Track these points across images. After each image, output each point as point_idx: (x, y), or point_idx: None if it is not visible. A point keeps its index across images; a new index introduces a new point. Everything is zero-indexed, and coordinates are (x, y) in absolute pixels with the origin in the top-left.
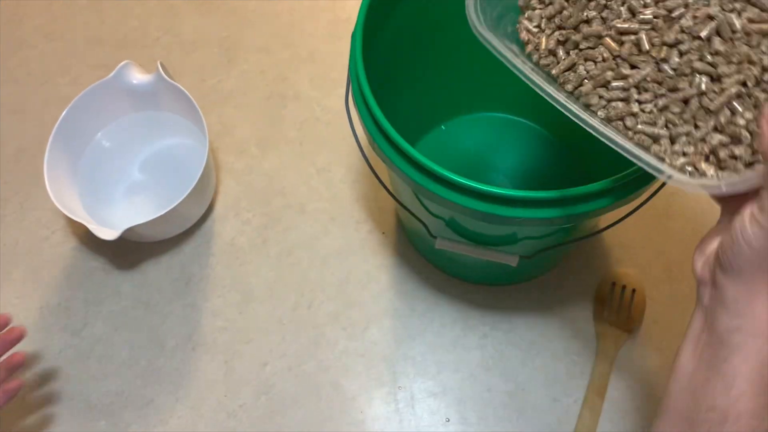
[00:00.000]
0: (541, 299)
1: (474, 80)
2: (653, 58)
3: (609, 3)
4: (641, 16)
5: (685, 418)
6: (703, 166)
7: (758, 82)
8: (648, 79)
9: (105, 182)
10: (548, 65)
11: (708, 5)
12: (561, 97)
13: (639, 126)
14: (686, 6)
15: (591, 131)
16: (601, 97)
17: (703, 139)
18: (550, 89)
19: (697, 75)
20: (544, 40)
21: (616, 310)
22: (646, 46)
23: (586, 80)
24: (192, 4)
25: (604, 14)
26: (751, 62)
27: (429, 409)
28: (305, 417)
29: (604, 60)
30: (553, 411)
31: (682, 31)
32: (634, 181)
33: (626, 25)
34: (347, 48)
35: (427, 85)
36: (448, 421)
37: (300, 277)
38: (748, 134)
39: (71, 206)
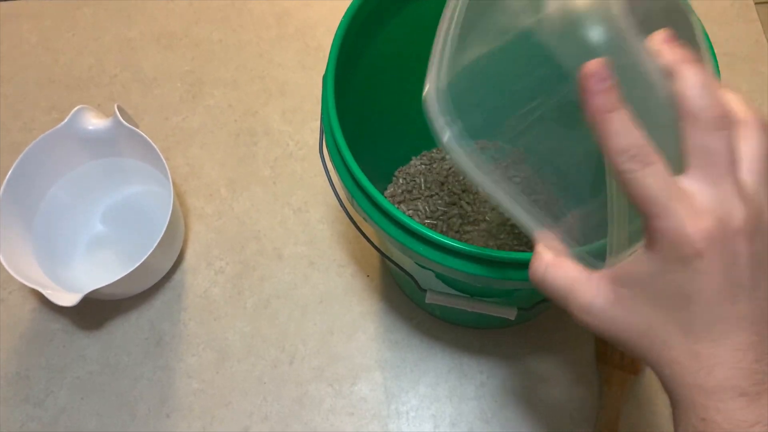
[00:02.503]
0: (539, 341)
1: None
2: None
3: None
4: None
5: None
6: None
7: None
8: None
9: (64, 238)
10: None
11: None
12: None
13: None
14: None
15: None
16: None
17: None
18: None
19: None
20: None
21: (620, 349)
22: None
23: None
24: (151, 37)
25: None
26: None
27: None
28: None
29: None
30: None
31: None
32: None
33: None
34: (319, 78)
35: (411, 113)
36: None
37: (279, 329)
38: None
39: (25, 269)
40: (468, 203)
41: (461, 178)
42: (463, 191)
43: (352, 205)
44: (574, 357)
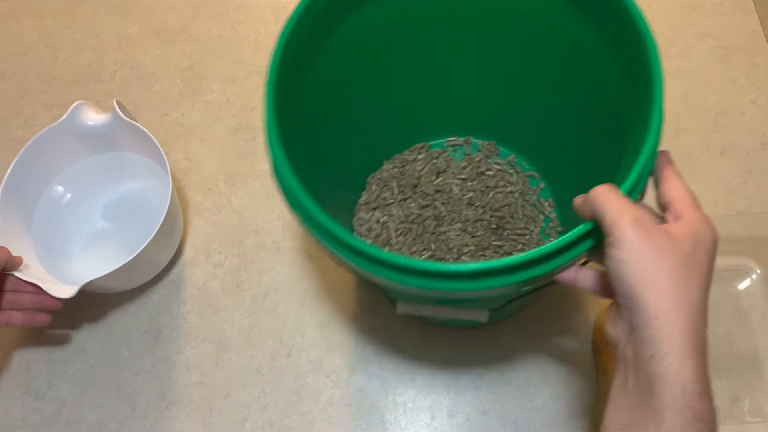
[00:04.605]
0: (537, 332)
1: (429, 106)
2: None
3: None
4: None
5: None
6: None
7: None
8: None
9: (64, 233)
10: None
11: None
12: None
13: None
14: None
15: None
16: None
17: None
18: None
19: None
20: None
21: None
22: None
23: None
24: (150, 33)
25: None
26: None
27: None
28: None
29: None
30: None
31: None
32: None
33: None
34: None
35: (378, 117)
36: None
37: (278, 322)
38: None
39: (24, 263)
40: (443, 203)
41: (433, 178)
42: (437, 191)
43: (302, 226)
44: (572, 348)
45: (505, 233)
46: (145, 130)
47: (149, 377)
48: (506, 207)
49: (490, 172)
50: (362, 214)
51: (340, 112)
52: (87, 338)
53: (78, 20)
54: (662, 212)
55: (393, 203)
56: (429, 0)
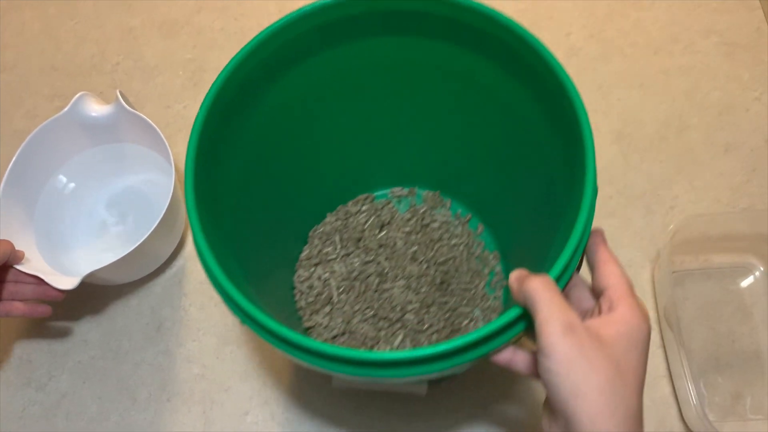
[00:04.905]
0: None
1: (373, 158)
2: None
3: None
4: None
5: None
6: None
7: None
8: None
9: (66, 224)
10: None
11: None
12: None
13: None
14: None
15: None
16: None
17: None
18: None
19: None
20: None
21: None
22: None
23: None
24: (153, 26)
25: None
26: None
27: None
28: None
29: None
30: None
31: None
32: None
33: None
34: None
35: (319, 169)
36: None
37: None
38: None
39: (26, 256)
40: (386, 258)
41: (376, 231)
42: (380, 246)
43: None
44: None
45: (450, 288)
46: (148, 120)
47: (150, 370)
48: (451, 260)
49: (434, 224)
50: (302, 271)
51: (278, 166)
52: (88, 330)
53: (81, 12)
54: (597, 297)
55: (335, 259)
56: (367, 57)
